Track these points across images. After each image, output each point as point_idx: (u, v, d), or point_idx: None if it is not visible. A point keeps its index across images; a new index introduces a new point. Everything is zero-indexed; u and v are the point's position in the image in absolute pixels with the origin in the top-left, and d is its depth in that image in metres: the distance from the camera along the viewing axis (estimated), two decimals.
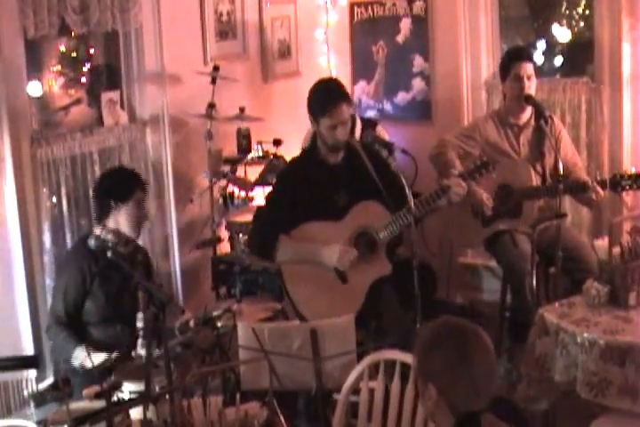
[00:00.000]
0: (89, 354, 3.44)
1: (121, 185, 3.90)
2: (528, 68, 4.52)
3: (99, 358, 3.49)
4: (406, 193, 3.71)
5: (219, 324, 3.94)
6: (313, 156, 4.04)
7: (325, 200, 3.96)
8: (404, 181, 3.74)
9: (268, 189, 4.94)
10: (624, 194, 4.60)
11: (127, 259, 3.76)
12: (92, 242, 3.73)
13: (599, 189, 4.32)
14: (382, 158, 3.98)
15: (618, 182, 4.29)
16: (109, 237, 3.80)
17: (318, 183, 3.97)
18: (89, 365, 3.43)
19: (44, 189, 4.42)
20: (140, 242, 4.11)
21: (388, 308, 3.91)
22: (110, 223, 3.85)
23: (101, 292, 3.77)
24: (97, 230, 3.84)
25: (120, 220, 3.84)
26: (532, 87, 4.53)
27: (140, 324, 3.54)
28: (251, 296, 4.76)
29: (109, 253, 3.61)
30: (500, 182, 4.50)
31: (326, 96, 3.92)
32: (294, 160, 4.25)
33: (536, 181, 4.52)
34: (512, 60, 4.58)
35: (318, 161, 4.02)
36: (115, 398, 2.95)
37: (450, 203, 3.96)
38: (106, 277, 3.78)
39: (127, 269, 3.67)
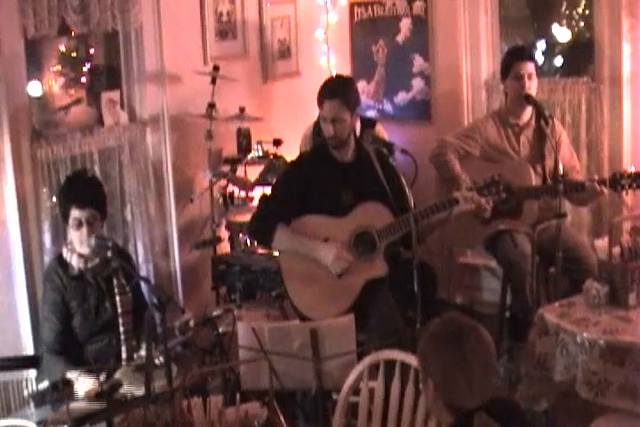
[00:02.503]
0: (77, 380, 3.33)
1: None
2: (529, 68, 4.52)
3: (86, 384, 3.34)
4: (407, 194, 3.71)
5: (220, 329, 3.94)
6: (322, 152, 4.06)
7: (331, 196, 3.97)
8: (404, 181, 3.75)
9: (269, 189, 4.95)
10: (624, 193, 4.61)
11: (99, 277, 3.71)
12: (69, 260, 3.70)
13: (602, 187, 4.30)
14: (392, 165, 3.99)
15: (617, 181, 4.29)
16: (74, 259, 3.70)
17: (325, 179, 3.99)
18: (79, 391, 3.26)
19: (44, 189, 4.41)
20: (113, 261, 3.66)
21: (379, 308, 3.90)
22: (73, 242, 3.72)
23: (80, 311, 3.69)
24: (63, 249, 3.77)
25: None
26: (532, 87, 4.53)
27: (121, 328, 3.56)
28: (250, 300, 4.76)
29: (109, 254, 3.61)
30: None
31: (324, 88, 4.01)
32: (304, 154, 4.34)
33: (536, 181, 4.52)
34: (513, 59, 4.58)
35: (327, 157, 4.04)
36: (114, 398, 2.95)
37: (446, 218, 3.94)
38: (81, 295, 3.70)
39: (130, 270, 3.68)
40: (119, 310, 3.61)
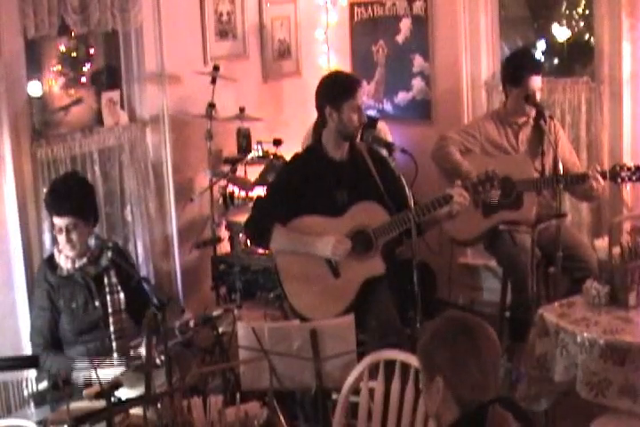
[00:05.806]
0: (95, 368, 3.30)
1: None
2: (540, 82, 4.52)
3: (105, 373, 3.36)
4: (407, 193, 3.71)
5: (220, 329, 3.94)
6: (317, 152, 4.06)
7: (326, 196, 3.97)
8: (404, 181, 3.75)
9: None
10: (624, 192, 4.60)
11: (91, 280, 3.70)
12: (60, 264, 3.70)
13: (599, 177, 4.30)
14: (387, 163, 3.98)
15: (617, 173, 4.29)
16: (62, 259, 3.71)
17: (320, 178, 3.98)
18: (96, 380, 3.18)
19: (44, 189, 4.41)
20: (104, 259, 3.72)
21: (377, 307, 3.90)
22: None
23: (67, 310, 3.68)
24: (54, 250, 3.77)
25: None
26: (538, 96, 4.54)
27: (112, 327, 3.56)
28: (250, 300, 4.76)
29: (109, 254, 3.61)
30: (500, 176, 4.48)
31: (346, 80, 4.06)
32: (298, 154, 4.29)
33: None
34: (528, 71, 4.51)
35: (322, 157, 4.04)
36: (114, 398, 2.95)
37: (450, 214, 3.94)
38: (69, 294, 3.69)
39: (129, 270, 3.67)
40: (109, 310, 3.61)
